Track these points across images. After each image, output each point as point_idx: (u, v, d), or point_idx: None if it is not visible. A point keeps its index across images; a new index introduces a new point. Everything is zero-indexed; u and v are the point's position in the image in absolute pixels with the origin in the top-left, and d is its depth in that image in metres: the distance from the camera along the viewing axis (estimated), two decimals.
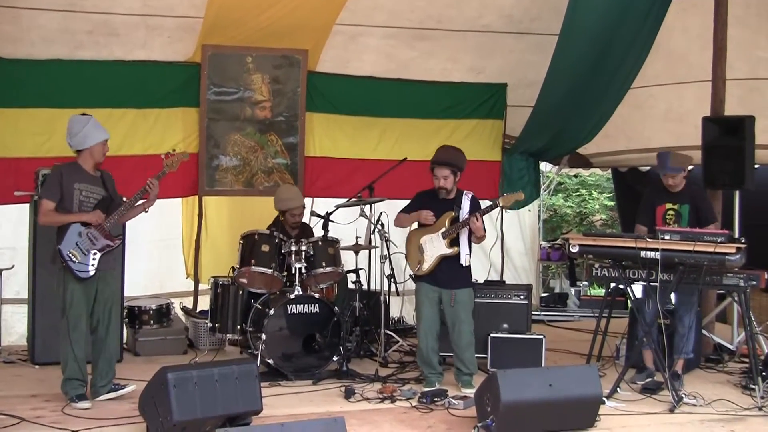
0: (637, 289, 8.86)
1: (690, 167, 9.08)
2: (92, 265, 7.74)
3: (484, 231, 8.48)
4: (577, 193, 20.96)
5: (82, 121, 7.87)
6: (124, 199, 8.04)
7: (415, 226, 8.82)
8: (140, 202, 7.99)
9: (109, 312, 7.98)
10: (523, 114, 11.70)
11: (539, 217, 14.26)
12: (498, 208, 11.54)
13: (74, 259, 7.66)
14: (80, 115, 7.92)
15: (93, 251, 7.74)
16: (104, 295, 7.95)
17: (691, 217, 8.84)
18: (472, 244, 8.66)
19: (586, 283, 14.62)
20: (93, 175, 7.93)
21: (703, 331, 9.90)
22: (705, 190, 9.45)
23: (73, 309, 7.73)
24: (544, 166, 13.85)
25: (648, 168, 12.95)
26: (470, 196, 8.66)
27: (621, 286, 9.02)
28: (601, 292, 15.09)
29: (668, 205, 8.95)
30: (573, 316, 13.05)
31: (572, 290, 13.99)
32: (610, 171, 14.52)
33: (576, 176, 20.42)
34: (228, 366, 7.13)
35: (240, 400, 6.90)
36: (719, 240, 7.96)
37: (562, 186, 20.66)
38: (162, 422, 6.71)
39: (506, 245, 12.50)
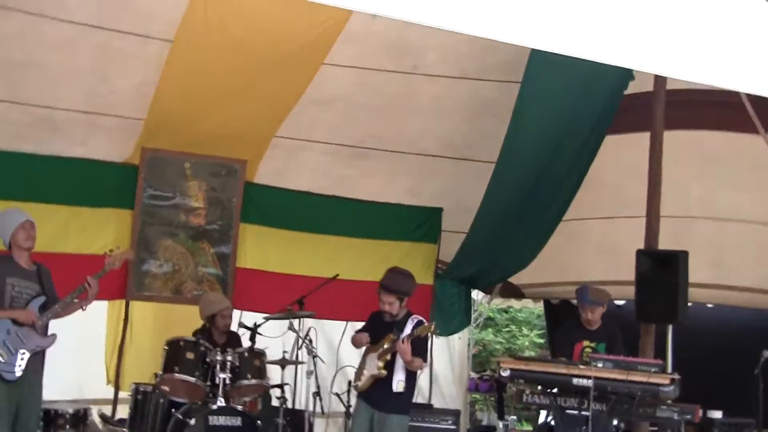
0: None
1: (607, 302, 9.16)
2: (19, 366, 7.38)
3: (411, 357, 8.25)
4: (507, 329, 20.91)
5: None
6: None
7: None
8: (77, 300, 7.78)
9: (36, 419, 7.68)
10: (457, 239, 11.68)
11: (469, 347, 14.15)
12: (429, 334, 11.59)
13: (1, 359, 7.32)
14: None
15: (21, 350, 7.40)
16: (31, 401, 7.61)
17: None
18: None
19: (514, 417, 14.44)
20: (28, 270, 7.69)
21: None
22: (619, 329, 9.39)
23: None
24: (476, 295, 13.81)
25: None
26: (415, 321, 8.47)
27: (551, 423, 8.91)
28: (530, 427, 14.95)
29: (585, 342, 8.99)
30: None
31: (500, 424, 13.76)
32: (541, 306, 14.51)
33: (506, 311, 20.42)
34: None
35: None
36: (653, 370, 7.93)
37: (492, 321, 20.62)
38: None
39: (435, 371, 12.27)
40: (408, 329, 8.36)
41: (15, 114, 9.68)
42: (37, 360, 7.63)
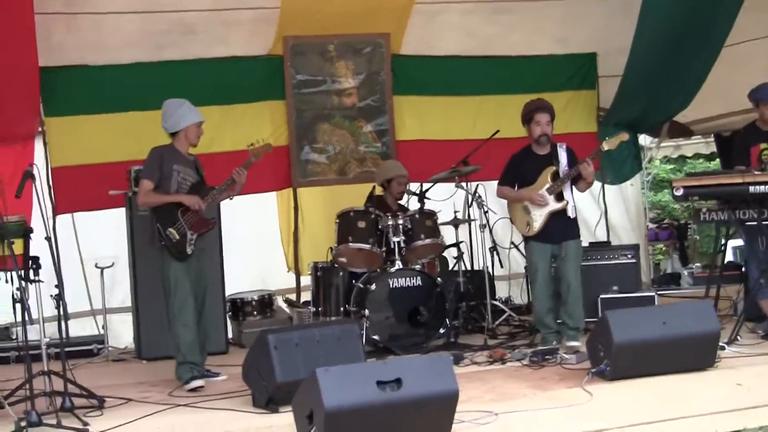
0: None
1: None
2: (190, 245, 7.66)
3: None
4: None
5: (177, 103, 7.91)
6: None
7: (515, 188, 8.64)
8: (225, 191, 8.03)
9: (204, 292, 7.90)
10: (616, 84, 11.33)
11: (644, 190, 13.85)
12: (600, 185, 11.41)
13: (173, 239, 7.59)
14: (175, 99, 7.95)
15: (190, 232, 7.67)
16: (202, 275, 7.89)
17: None
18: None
19: (698, 264, 14.14)
20: (188, 159, 7.95)
21: None
22: None
23: (179, 290, 7.62)
24: (644, 140, 13.49)
25: None
26: (564, 146, 8.45)
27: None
28: None
29: (763, 145, 8.48)
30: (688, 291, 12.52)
31: (684, 271, 13.51)
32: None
33: (680, 170, 19.97)
34: (329, 327, 7.01)
35: (343, 359, 6.66)
36: None
37: (668, 182, 20.15)
38: (266, 386, 6.59)
39: (611, 221, 12.07)
40: (563, 157, 8.36)
41: (152, 24, 9.83)
42: (204, 240, 7.90)
